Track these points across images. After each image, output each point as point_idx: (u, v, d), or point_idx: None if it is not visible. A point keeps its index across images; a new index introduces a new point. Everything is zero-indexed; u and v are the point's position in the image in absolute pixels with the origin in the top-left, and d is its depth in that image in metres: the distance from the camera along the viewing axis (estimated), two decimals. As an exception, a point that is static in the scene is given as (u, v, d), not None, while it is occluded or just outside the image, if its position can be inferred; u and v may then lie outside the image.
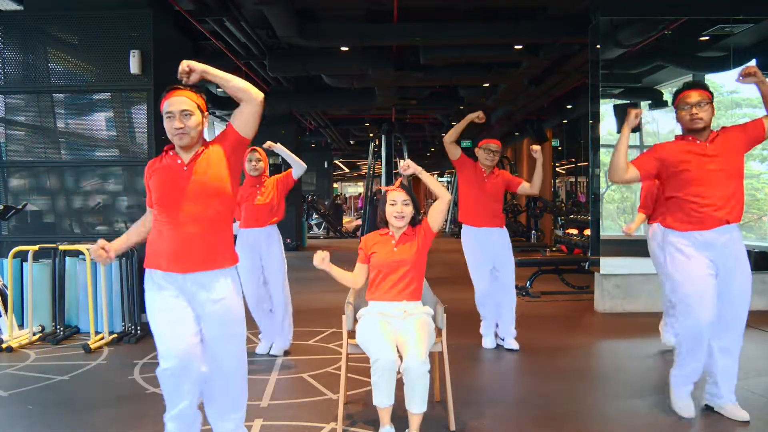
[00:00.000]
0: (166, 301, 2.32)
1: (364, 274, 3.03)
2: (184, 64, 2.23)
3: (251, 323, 4.44)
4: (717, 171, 2.88)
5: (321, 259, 2.81)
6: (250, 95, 2.32)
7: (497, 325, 4.53)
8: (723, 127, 2.99)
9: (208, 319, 2.35)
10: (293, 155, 4.27)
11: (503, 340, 4.50)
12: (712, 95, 2.93)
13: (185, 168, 2.33)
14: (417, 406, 2.64)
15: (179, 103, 2.31)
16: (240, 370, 2.50)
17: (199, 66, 2.24)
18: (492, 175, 4.40)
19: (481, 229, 4.38)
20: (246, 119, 2.37)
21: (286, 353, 4.33)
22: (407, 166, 2.97)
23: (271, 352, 4.31)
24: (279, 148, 4.27)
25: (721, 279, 2.96)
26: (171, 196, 2.31)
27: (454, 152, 4.39)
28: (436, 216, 3.01)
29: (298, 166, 4.28)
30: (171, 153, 2.38)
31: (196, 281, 2.32)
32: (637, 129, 6.26)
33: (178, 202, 2.30)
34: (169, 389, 2.33)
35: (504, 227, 4.46)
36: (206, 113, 2.43)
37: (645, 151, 3.15)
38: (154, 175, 2.37)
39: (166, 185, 2.33)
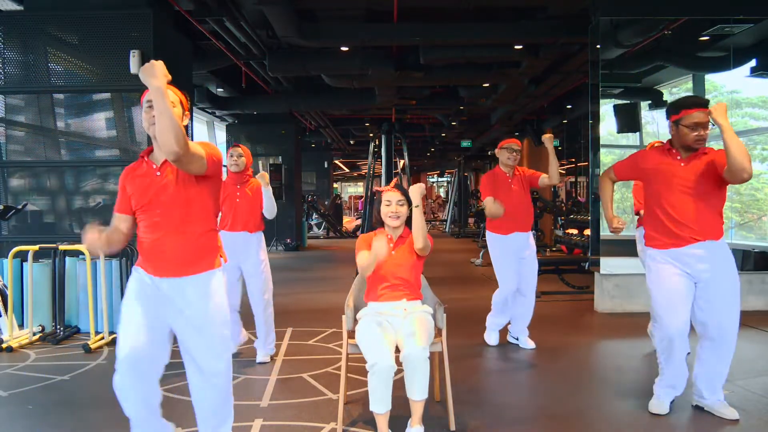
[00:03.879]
0: (138, 306, 2.28)
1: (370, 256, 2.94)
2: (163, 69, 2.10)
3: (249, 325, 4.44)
4: (686, 189, 2.90)
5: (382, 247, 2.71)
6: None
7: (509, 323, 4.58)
8: (706, 147, 2.95)
9: (184, 324, 2.30)
10: (271, 202, 4.08)
11: (517, 339, 4.53)
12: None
13: (158, 173, 2.30)
14: (418, 393, 2.64)
15: None
16: (222, 375, 2.37)
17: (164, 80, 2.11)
18: (515, 176, 4.35)
19: (511, 236, 4.31)
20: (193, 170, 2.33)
21: (272, 358, 4.24)
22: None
23: (257, 360, 4.15)
24: (267, 190, 4.07)
25: (700, 289, 2.96)
26: (146, 201, 2.29)
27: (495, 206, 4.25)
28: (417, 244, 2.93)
29: (270, 211, 4.09)
30: (147, 159, 2.35)
31: (172, 285, 2.29)
32: (636, 129, 6.30)
33: (151, 206, 2.28)
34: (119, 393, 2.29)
35: (531, 231, 4.44)
36: (187, 112, 2.39)
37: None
38: (129, 182, 2.34)
39: (142, 191, 2.30)
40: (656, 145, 3.22)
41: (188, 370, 2.37)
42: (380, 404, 2.61)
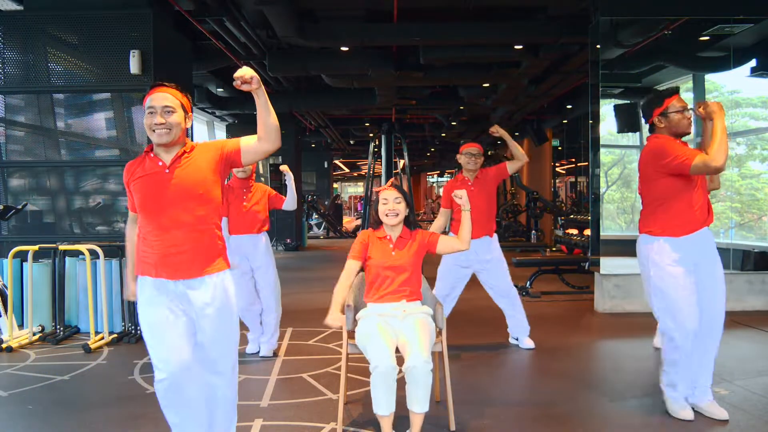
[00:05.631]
0: (159, 313, 2.26)
1: (356, 270, 3.02)
2: (248, 74, 2.13)
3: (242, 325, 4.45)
4: (701, 176, 2.98)
5: (334, 321, 2.81)
6: (277, 138, 2.29)
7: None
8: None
9: (201, 323, 2.30)
10: (294, 192, 4.32)
11: (517, 339, 4.53)
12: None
13: (167, 170, 2.27)
14: (419, 405, 2.62)
15: (162, 99, 2.27)
16: (231, 373, 2.41)
17: (258, 83, 2.18)
18: (477, 180, 4.34)
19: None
20: (256, 152, 2.33)
21: (275, 354, 4.33)
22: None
23: (260, 354, 4.31)
24: (290, 177, 4.31)
25: (698, 281, 2.99)
26: (153, 199, 2.25)
27: (445, 220, 4.37)
28: (446, 249, 3.02)
29: (292, 202, 4.33)
30: (152, 155, 2.31)
31: (187, 286, 2.27)
32: (637, 129, 6.30)
33: (160, 205, 2.24)
34: (165, 403, 2.31)
35: (494, 235, 4.40)
36: (190, 114, 2.37)
37: (687, 147, 3.02)
38: (135, 179, 2.30)
39: (148, 189, 2.26)
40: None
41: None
42: (383, 407, 2.60)
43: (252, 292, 4.29)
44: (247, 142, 2.34)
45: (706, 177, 3.06)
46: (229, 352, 2.38)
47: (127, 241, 2.49)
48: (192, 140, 2.42)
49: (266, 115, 2.26)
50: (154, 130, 2.25)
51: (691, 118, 3.00)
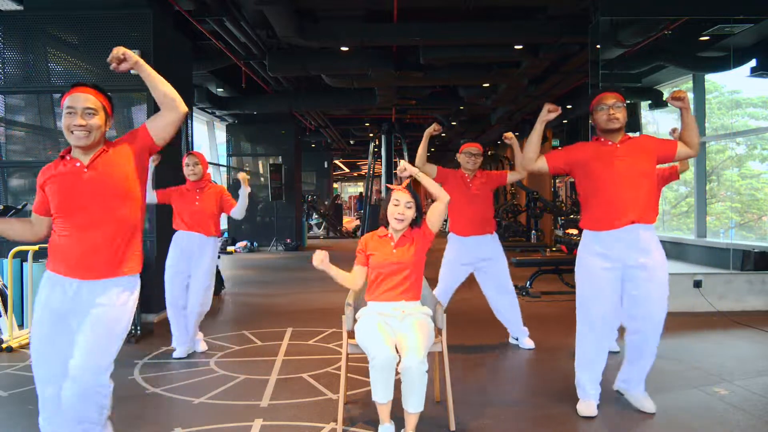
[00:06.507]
0: (51, 318, 2.21)
1: (363, 277, 3.02)
2: (119, 51, 2.06)
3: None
4: (624, 172, 2.97)
5: (320, 260, 2.80)
6: (176, 104, 2.23)
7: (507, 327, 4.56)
8: (643, 135, 3.11)
9: (87, 320, 2.21)
10: (245, 202, 4.31)
11: (517, 339, 4.53)
12: (626, 100, 3.07)
13: (85, 170, 2.20)
14: (414, 405, 2.64)
15: (83, 99, 2.19)
16: (96, 378, 2.19)
17: (133, 57, 2.10)
18: (476, 179, 4.34)
19: (470, 238, 4.33)
20: (164, 125, 2.25)
21: (191, 355, 4.29)
22: (404, 168, 3.00)
23: (174, 355, 4.24)
24: (245, 189, 4.32)
25: (628, 276, 3.01)
26: (71, 199, 2.18)
27: (430, 171, 4.28)
28: (437, 217, 2.99)
29: (240, 211, 4.31)
30: (68, 158, 2.23)
31: (93, 289, 2.22)
32: (636, 129, 6.33)
33: (78, 205, 2.17)
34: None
35: (494, 233, 4.42)
36: (111, 116, 2.30)
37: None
38: (50, 182, 2.22)
39: (65, 191, 2.19)
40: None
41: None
42: (382, 394, 2.62)
43: (184, 295, 4.23)
44: (152, 120, 2.28)
45: (654, 172, 3.07)
46: (100, 354, 2.21)
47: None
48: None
49: (156, 86, 2.20)
50: (72, 132, 2.18)
51: (615, 114, 2.98)
